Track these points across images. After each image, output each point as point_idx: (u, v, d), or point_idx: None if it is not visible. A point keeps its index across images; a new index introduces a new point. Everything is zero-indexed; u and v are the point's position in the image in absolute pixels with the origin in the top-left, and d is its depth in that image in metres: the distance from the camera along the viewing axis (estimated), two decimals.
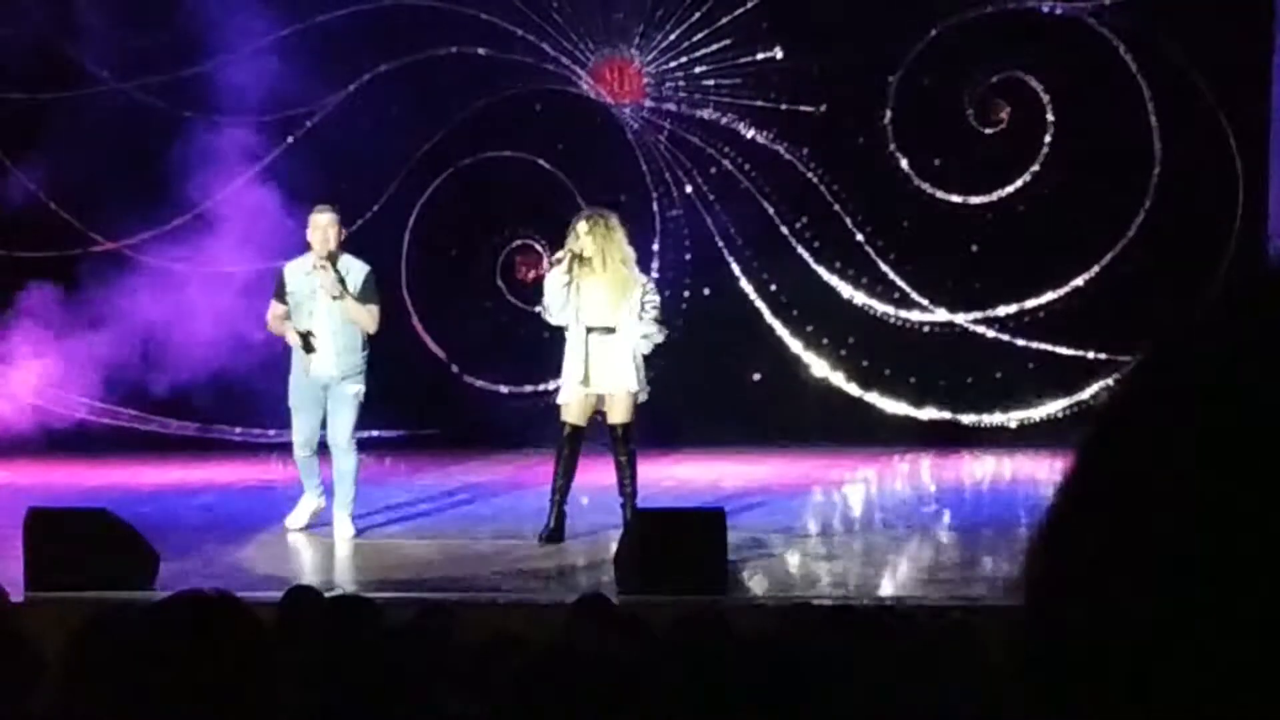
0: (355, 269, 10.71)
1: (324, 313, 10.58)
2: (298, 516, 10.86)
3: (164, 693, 2.65)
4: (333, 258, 10.58)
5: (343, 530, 10.63)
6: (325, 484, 10.85)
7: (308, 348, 10.59)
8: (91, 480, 12.68)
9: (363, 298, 10.62)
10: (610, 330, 10.31)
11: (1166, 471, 0.83)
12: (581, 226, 10.34)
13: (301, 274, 10.64)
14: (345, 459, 10.65)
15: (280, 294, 10.74)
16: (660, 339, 10.46)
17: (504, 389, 14.48)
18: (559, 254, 10.44)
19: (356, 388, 10.65)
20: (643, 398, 10.43)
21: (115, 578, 8.78)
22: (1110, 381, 0.90)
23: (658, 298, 10.55)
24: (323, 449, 10.84)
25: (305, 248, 10.69)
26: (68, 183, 14.23)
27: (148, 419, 14.30)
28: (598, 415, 10.49)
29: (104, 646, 2.89)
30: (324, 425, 10.75)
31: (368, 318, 10.60)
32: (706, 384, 14.04)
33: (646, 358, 10.45)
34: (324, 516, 10.79)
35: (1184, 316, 0.90)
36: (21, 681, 3.94)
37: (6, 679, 3.94)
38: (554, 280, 10.35)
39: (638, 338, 10.33)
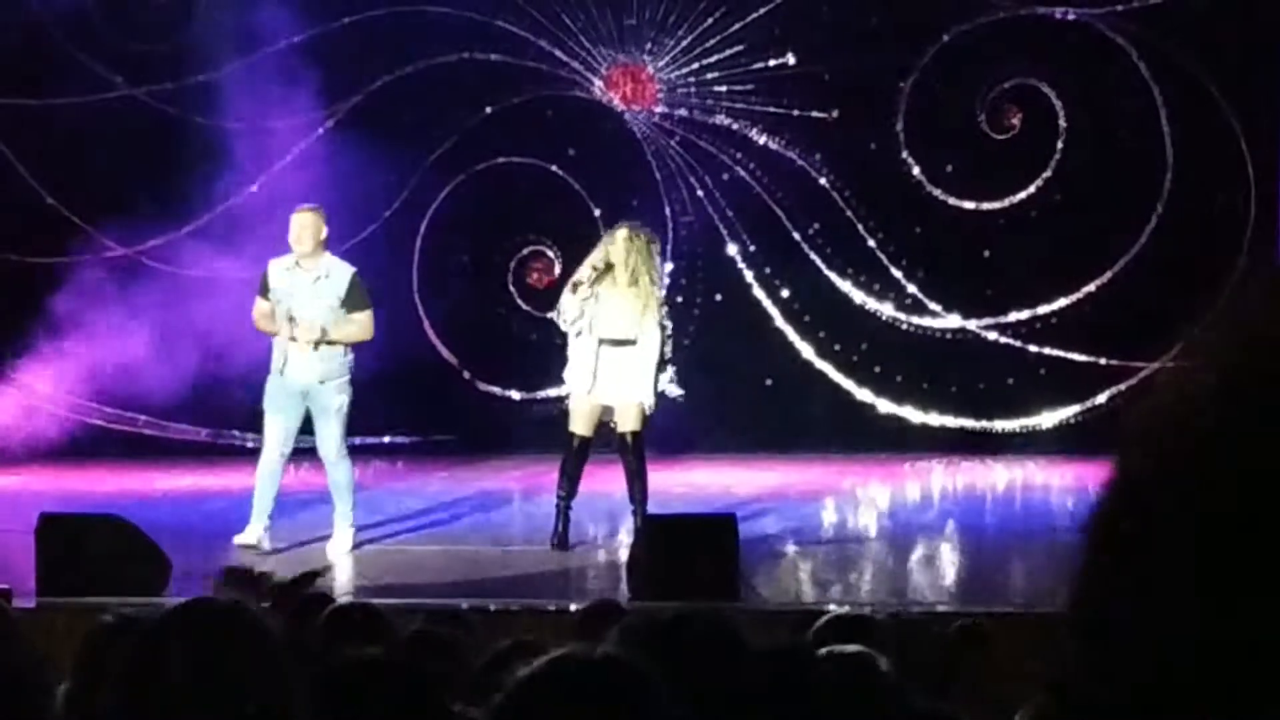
0: (338, 272, 10.22)
1: (304, 313, 10.08)
2: (248, 534, 10.29)
3: (175, 700, 2.66)
4: (319, 257, 10.18)
5: (343, 543, 10.35)
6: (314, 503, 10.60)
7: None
8: (104, 486, 12.68)
9: (350, 304, 10.14)
10: (629, 343, 10.28)
11: (1210, 475, 0.83)
12: (621, 233, 10.32)
13: (283, 270, 10.16)
14: (338, 470, 10.27)
15: (264, 291, 10.27)
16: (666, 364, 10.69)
17: (517, 395, 14.49)
18: (585, 270, 10.36)
19: (341, 399, 10.13)
20: (650, 409, 10.40)
21: (127, 584, 8.79)
22: (1142, 383, 0.90)
23: (669, 322, 10.63)
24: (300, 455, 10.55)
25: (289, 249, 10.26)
26: (78, 188, 14.24)
27: (161, 425, 14.30)
28: (609, 424, 10.45)
29: (115, 653, 2.90)
30: (305, 432, 10.31)
31: (358, 334, 10.15)
32: (718, 390, 14.03)
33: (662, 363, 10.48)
34: (325, 528, 10.52)
35: (1227, 317, 0.90)
36: (33, 688, 3.94)
37: (17, 685, 3.94)
38: (577, 292, 10.30)
39: (659, 351, 10.34)
